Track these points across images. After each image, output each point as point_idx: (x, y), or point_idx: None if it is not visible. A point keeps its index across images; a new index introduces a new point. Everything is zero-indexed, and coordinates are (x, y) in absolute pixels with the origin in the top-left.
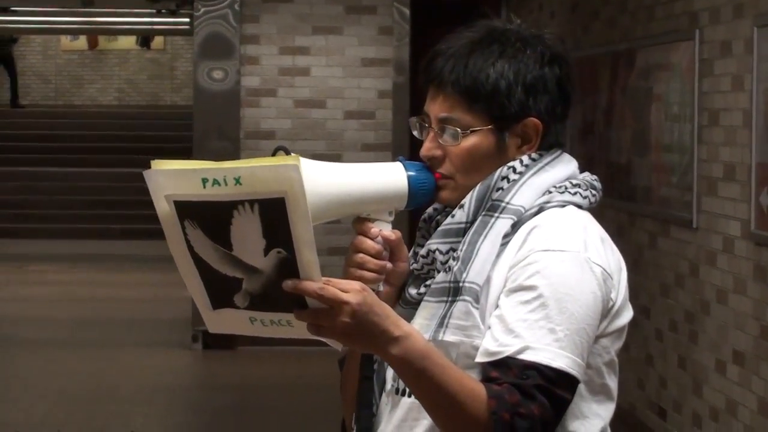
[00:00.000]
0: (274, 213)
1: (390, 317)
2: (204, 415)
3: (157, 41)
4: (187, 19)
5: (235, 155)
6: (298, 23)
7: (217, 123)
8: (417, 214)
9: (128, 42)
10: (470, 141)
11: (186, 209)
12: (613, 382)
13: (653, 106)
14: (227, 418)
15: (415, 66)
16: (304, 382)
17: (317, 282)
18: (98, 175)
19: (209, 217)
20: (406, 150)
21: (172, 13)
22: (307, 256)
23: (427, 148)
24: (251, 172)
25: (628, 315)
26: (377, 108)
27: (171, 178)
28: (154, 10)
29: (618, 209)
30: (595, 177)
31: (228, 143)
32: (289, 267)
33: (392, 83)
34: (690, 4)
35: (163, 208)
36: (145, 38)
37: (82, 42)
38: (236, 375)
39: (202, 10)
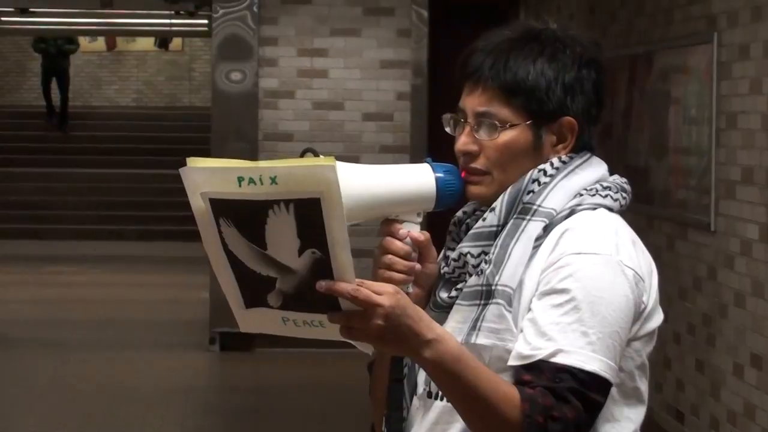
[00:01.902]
0: (310, 213)
1: (423, 320)
2: (221, 417)
3: (176, 43)
4: (206, 21)
5: (253, 157)
6: (317, 25)
7: (235, 125)
8: (437, 215)
9: (146, 43)
10: (507, 136)
11: (221, 207)
12: (644, 386)
13: (671, 109)
14: (245, 420)
15: (433, 68)
16: (322, 384)
17: (351, 283)
18: (116, 176)
19: (244, 216)
20: (424, 152)
21: (191, 15)
22: (342, 257)
23: (463, 143)
24: (287, 172)
25: (659, 318)
26: (395, 110)
27: (206, 176)
28: (172, 12)
29: (636, 212)
30: (624, 180)
31: (246, 145)
32: (323, 268)
33: (410, 85)
34: (708, 7)
35: (198, 205)
36: (163, 40)
37: (100, 43)
38: (254, 377)
39: (221, 11)
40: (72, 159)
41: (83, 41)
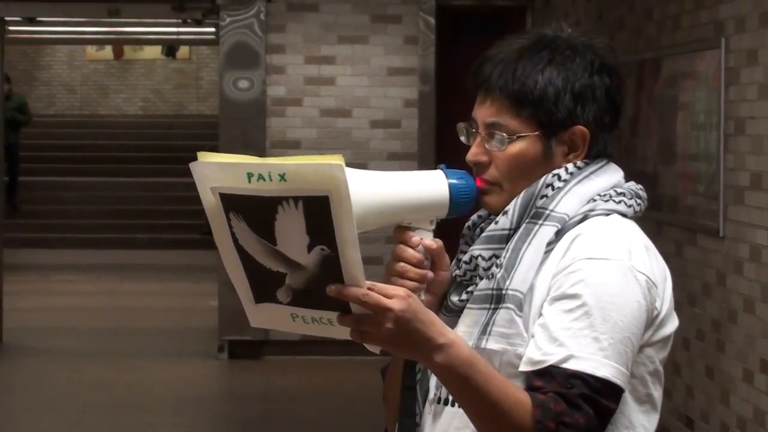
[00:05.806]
0: (318, 211)
1: (435, 324)
2: (230, 425)
3: (183, 51)
4: (213, 29)
5: None
6: (324, 33)
7: (243, 132)
8: (449, 223)
9: (154, 52)
10: (517, 147)
11: (231, 202)
12: (657, 392)
13: (679, 114)
14: (254, 428)
15: (440, 75)
16: (331, 392)
17: (361, 287)
18: (124, 184)
19: (254, 211)
20: (432, 159)
21: (198, 23)
22: (351, 254)
23: (473, 153)
24: (296, 169)
25: (673, 324)
26: (403, 117)
27: (216, 171)
28: (179, 20)
29: (644, 218)
30: (640, 186)
31: (254, 153)
32: (332, 265)
33: (418, 92)
34: (716, 13)
35: (209, 199)
36: (170, 48)
37: (107, 52)
38: (263, 385)
39: (228, 19)
40: (80, 167)
41: (90, 50)
